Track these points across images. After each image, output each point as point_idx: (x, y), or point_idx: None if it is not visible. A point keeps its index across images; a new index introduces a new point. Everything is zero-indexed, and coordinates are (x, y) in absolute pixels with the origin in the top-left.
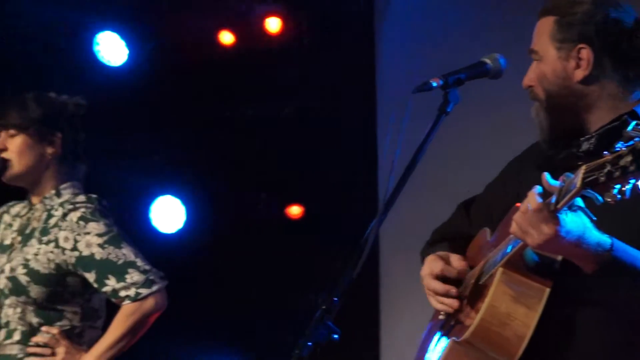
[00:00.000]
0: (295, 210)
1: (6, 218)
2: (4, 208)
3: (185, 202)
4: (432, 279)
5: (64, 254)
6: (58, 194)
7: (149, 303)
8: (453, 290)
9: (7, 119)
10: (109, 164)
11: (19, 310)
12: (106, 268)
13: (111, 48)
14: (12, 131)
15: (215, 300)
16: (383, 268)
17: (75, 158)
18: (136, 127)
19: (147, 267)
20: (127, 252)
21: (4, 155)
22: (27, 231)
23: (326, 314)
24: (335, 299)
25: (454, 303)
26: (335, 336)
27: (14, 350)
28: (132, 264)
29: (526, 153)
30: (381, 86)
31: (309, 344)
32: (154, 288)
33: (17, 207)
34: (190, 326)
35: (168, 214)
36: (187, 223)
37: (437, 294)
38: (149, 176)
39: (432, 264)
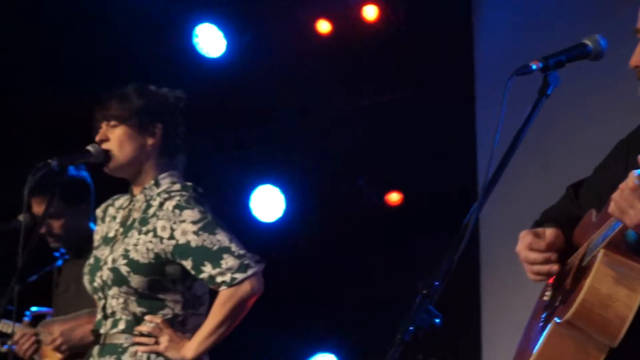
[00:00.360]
0: (394, 197)
1: (111, 211)
2: (109, 201)
3: (284, 191)
4: (528, 250)
5: (162, 243)
6: (157, 184)
7: (245, 287)
8: (553, 255)
9: (108, 110)
10: (210, 155)
11: (121, 300)
12: (202, 255)
13: (210, 40)
14: (113, 122)
15: (316, 287)
16: (483, 252)
17: (175, 149)
18: (235, 118)
19: (242, 252)
20: (221, 238)
21: (106, 146)
22: (128, 222)
23: (427, 298)
24: (437, 283)
25: (554, 267)
26: (437, 320)
27: (120, 339)
28: (226, 250)
29: (633, 134)
30: (479, 71)
31: (411, 328)
32: (249, 272)
33: (121, 200)
34: (290, 313)
35: (268, 203)
36: (286, 212)
37: (535, 263)
38: (249, 166)
39: (524, 239)
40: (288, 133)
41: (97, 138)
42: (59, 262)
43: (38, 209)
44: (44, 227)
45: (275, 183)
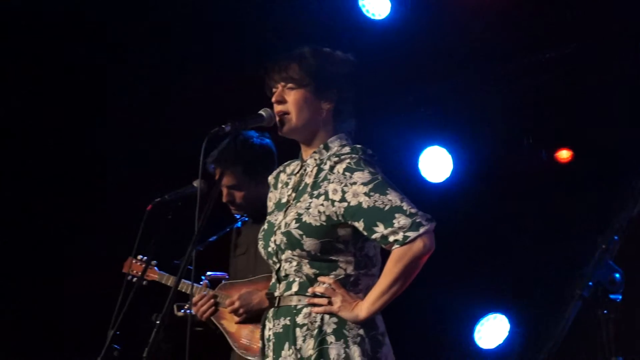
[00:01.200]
0: (564, 154)
1: (282, 177)
2: (280, 168)
3: (451, 151)
4: None
5: (333, 205)
6: (326, 148)
7: (418, 245)
8: None
9: (287, 72)
10: (378, 117)
11: (295, 263)
12: (373, 215)
13: (375, 1)
14: (290, 84)
15: (484, 248)
16: None
17: (349, 113)
18: (401, 80)
19: (414, 210)
20: (392, 198)
21: (281, 108)
22: (300, 187)
23: (607, 253)
24: (615, 237)
25: None
26: (617, 275)
27: (294, 301)
28: (398, 209)
29: None
30: None
31: (590, 283)
32: (422, 230)
33: (292, 166)
34: (460, 274)
35: (436, 164)
36: (454, 172)
37: None
38: (417, 128)
39: None
40: (454, 94)
41: (274, 99)
42: (238, 224)
43: (224, 179)
44: (226, 197)
45: (443, 144)
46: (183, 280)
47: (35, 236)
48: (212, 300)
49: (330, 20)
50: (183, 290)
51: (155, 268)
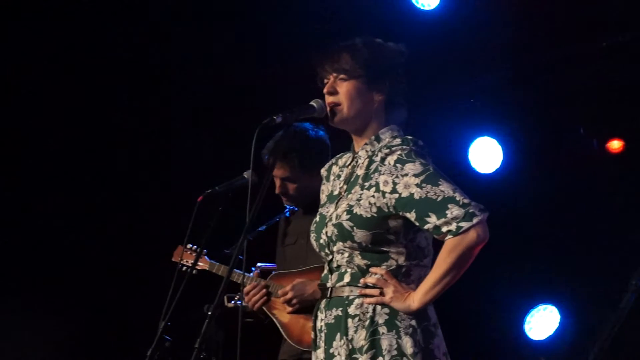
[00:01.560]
0: (615, 145)
1: (334, 169)
2: (332, 160)
3: (502, 142)
4: None
5: (384, 197)
6: (378, 139)
7: (471, 236)
8: None
9: (339, 63)
10: (428, 108)
11: (346, 255)
12: (426, 206)
13: None
14: (343, 75)
15: (535, 238)
16: None
17: (400, 104)
18: (452, 71)
19: (467, 201)
20: (445, 188)
21: (333, 99)
22: (352, 179)
23: None
24: None
25: None
26: None
27: (345, 292)
28: (451, 199)
29: None
30: None
31: None
32: (475, 220)
33: (344, 158)
34: (510, 265)
35: (486, 154)
36: (504, 163)
37: None
38: (467, 119)
39: None
40: (504, 84)
41: (325, 90)
42: (287, 214)
43: (278, 172)
44: (279, 188)
45: (493, 134)
46: (234, 270)
47: (86, 229)
48: (264, 290)
49: (380, 11)
50: (234, 280)
51: (206, 257)
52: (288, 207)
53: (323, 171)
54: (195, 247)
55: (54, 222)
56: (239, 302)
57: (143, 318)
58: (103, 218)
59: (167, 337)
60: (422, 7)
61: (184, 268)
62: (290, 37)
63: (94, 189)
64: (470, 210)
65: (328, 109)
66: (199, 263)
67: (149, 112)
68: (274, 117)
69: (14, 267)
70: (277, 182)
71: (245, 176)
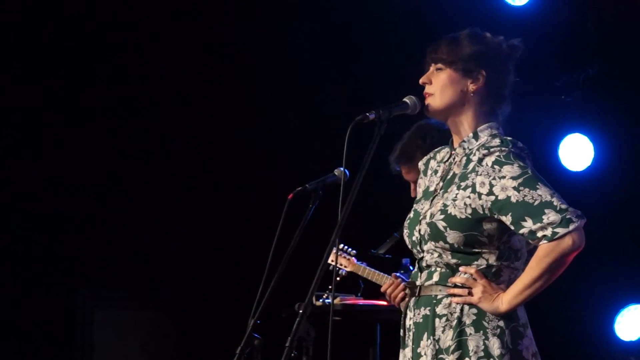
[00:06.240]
0: None
1: (432, 164)
2: (431, 154)
3: (593, 139)
4: None
5: (480, 199)
6: (476, 137)
7: (566, 242)
8: None
9: (437, 53)
10: (518, 104)
11: (436, 254)
12: (522, 210)
13: None
14: (439, 65)
15: (627, 237)
16: None
17: (499, 99)
18: (542, 67)
19: (564, 206)
20: (542, 193)
21: (428, 89)
22: (449, 177)
23: None
24: None
25: None
26: None
27: (434, 290)
28: (548, 204)
29: None
30: None
31: None
32: (571, 227)
33: (442, 153)
34: (601, 263)
35: (577, 152)
36: (595, 160)
37: None
38: (557, 115)
39: None
40: (595, 80)
41: (421, 80)
42: None
43: (407, 175)
44: (413, 192)
45: (584, 131)
46: (373, 269)
47: (181, 226)
48: (402, 285)
49: (469, 7)
50: (373, 280)
51: (354, 259)
52: None
53: (421, 165)
54: (348, 248)
55: (152, 220)
56: (327, 301)
57: (234, 317)
58: (195, 216)
59: (257, 335)
60: (512, 3)
61: (338, 270)
62: (384, 35)
63: (192, 187)
64: (567, 216)
65: (425, 100)
66: (345, 265)
67: (240, 110)
68: (367, 113)
69: (117, 263)
70: (412, 186)
71: (336, 174)
